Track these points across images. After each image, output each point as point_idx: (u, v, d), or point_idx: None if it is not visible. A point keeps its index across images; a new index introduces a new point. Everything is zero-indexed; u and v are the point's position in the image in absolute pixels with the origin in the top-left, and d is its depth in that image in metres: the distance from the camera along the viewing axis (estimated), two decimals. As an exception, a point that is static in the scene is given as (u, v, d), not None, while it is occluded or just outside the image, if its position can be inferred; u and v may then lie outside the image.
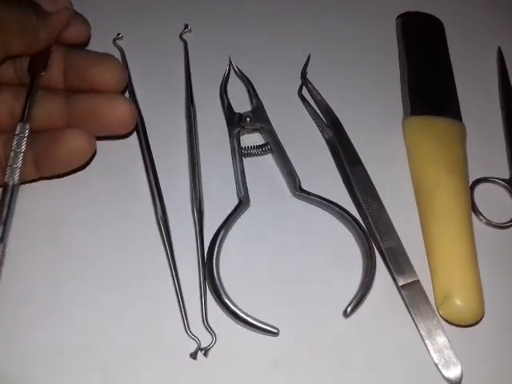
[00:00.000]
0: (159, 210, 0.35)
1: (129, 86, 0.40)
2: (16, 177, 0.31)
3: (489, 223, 0.37)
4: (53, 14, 0.31)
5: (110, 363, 0.31)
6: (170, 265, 0.33)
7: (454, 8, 0.47)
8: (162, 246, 0.34)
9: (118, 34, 0.42)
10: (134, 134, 0.38)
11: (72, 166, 0.33)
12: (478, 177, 0.38)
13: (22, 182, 0.32)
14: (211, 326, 0.32)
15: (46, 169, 0.33)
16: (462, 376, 0.31)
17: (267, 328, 0.32)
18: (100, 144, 0.35)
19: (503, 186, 0.38)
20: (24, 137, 0.31)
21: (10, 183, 0.30)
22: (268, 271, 0.35)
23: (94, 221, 0.35)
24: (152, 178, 0.36)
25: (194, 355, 0.31)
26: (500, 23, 0.47)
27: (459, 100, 0.41)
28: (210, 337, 0.32)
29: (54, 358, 0.31)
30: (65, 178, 0.35)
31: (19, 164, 0.30)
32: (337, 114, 0.39)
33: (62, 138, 0.31)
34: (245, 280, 0.34)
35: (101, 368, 0.31)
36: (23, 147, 0.31)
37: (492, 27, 0.46)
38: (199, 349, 0.31)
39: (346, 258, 0.35)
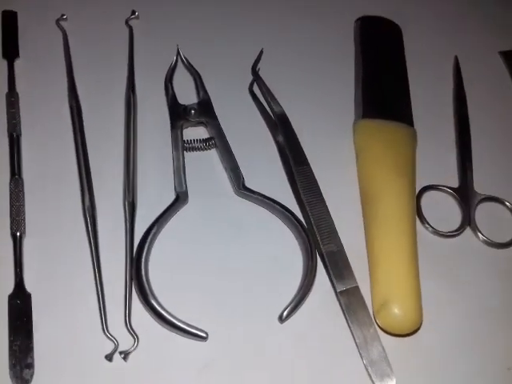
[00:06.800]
0: (87, 199, 0.32)
1: (68, 71, 0.38)
2: None
3: (435, 232, 0.36)
4: None
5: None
6: (92, 258, 0.31)
7: (413, 15, 0.46)
8: (86, 238, 0.32)
9: (63, 15, 0.40)
10: (69, 118, 0.36)
11: None
12: (426, 184, 0.37)
13: None
14: (134, 328, 0.30)
15: None
16: (396, 389, 0.30)
17: (195, 332, 0.30)
18: (32, 127, 0.32)
19: (451, 194, 0.37)
20: None
21: None
22: (201, 273, 0.32)
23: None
24: (82, 163, 0.34)
25: (109, 357, 0.29)
26: (458, 32, 0.47)
27: (413, 106, 0.40)
28: (132, 339, 0.29)
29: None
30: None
31: None
32: (287, 113, 0.38)
33: None
34: (175, 281, 0.32)
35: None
36: None
37: (450, 35, 0.46)
38: (115, 351, 0.29)
39: (287, 260, 0.33)
